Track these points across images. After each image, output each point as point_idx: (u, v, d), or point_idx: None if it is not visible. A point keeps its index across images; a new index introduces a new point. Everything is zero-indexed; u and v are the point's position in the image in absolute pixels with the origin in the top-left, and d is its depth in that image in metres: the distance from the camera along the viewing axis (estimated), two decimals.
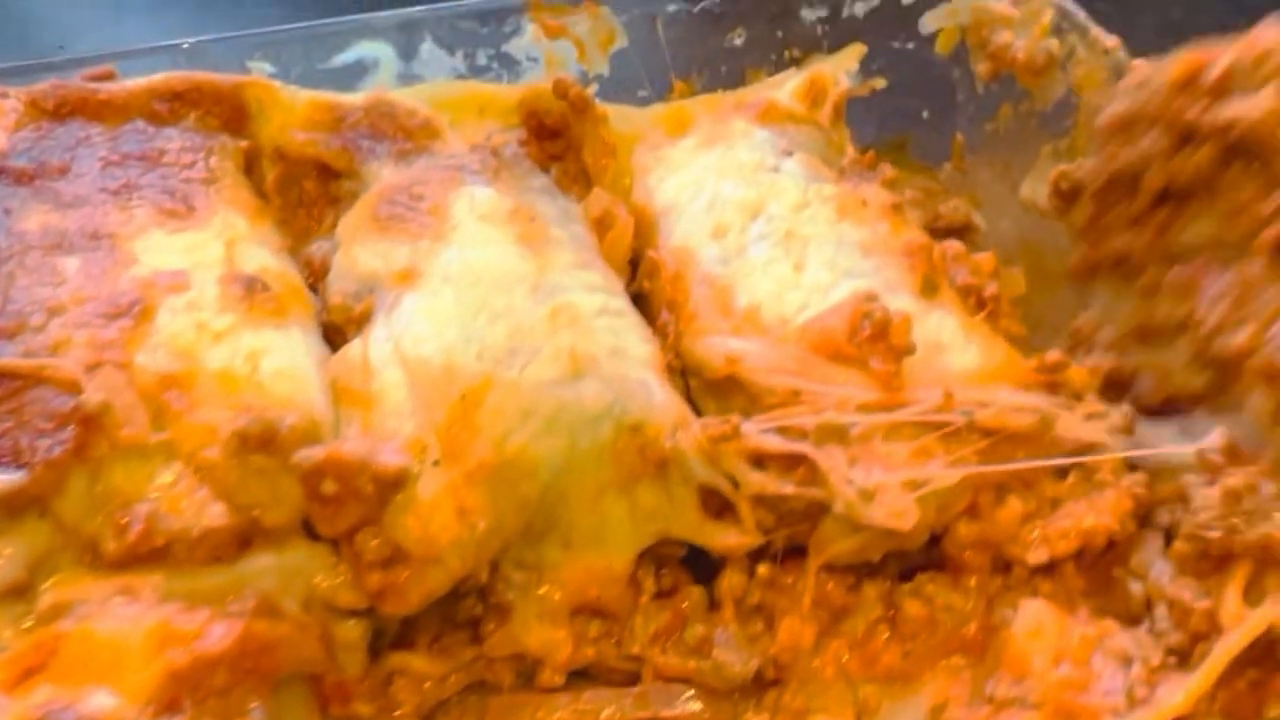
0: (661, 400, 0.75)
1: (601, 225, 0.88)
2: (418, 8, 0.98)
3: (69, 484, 0.67)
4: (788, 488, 0.73)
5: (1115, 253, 0.83)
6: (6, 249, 0.74)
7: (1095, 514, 0.73)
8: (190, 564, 0.68)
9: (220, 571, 0.69)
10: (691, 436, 0.74)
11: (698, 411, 0.79)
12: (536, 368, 0.73)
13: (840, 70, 1.05)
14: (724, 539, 0.75)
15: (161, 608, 0.67)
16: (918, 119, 1.16)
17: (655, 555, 0.77)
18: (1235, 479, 0.70)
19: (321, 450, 0.69)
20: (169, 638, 0.65)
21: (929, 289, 0.82)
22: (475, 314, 0.76)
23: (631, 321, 0.80)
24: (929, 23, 1.11)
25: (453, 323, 0.75)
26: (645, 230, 0.91)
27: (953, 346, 0.80)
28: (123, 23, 1.45)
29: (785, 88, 1.03)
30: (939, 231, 1.11)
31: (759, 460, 0.74)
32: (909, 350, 0.76)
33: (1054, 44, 1.01)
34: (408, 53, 0.97)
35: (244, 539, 0.70)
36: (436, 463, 0.71)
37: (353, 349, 0.76)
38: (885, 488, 0.73)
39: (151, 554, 0.67)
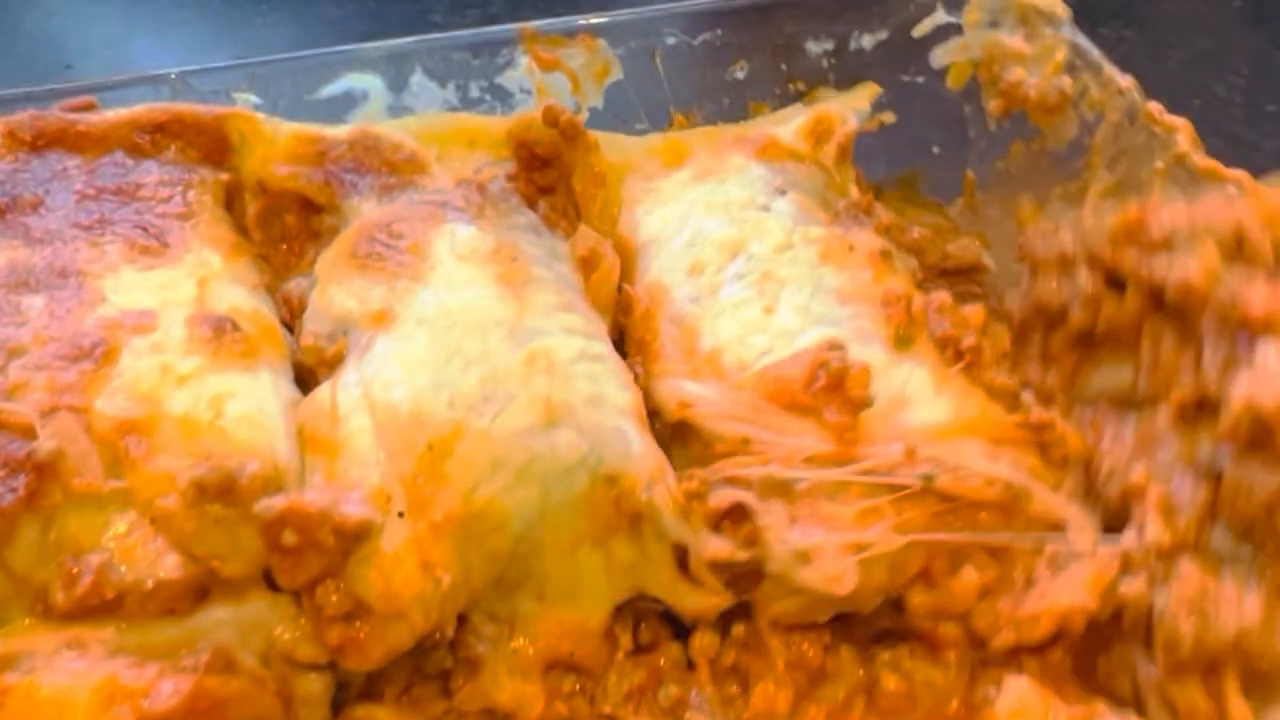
0: (639, 451, 0.73)
1: (587, 265, 0.86)
2: (408, 38, 0.96)
3: (20, 532, 0.65)
4: (729, 549, 0.71)
5: (1027, 381, 0.82)
6: None
7: (1071, 593, 0.69)
8: (143, 616, 0.66)
9: (175, 624, 0.67)
10: (665, 492, 0.71)
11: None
12: (509, 416, 0.71)
13: (849, 110, 1.02)
14: (693, 600, 0.73)
15: (110, 662, 0.65)
16: (928, 154, 1.13)
17: (635, 609, 0.75)
18: (1189, 583, 0.67)
19: (282, 500, 0.66)
20: (115, 694, 0.63)
21: (902, 341, 0.80)
22: (448, 359, 0.73)
23: (611, 367, 0.78)
24: (940, 57, 1.08)
25: (424, 368, 0.73)
26: (626, 263, 0.89)
27: (919, 400, 0.76)
28: (132, 43, 1.45)
29: (789, 125, 1.00)
30: (948, 271, 1.08)
31: (716, 516, 0.72)
32: (866, 403, 0.74)
33: (1067, 82, 0.98)
34: (397, 84, 0.95)
35: (200, 591, 0.68)
36: (401, 514, 0.69)
37: (321, 393, 0.74)
38: (822, 550, 0.70)
39: (102, 606, 0.65)
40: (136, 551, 0.66)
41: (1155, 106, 0.90)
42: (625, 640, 0.75)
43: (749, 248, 0.86)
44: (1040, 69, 1.00)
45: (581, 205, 0.93)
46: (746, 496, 0.71)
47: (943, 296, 0.82)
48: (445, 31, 1.43)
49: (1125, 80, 0.94)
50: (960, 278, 1.08)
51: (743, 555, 0.70)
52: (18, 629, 0.66)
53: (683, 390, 0.77)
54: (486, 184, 0.86)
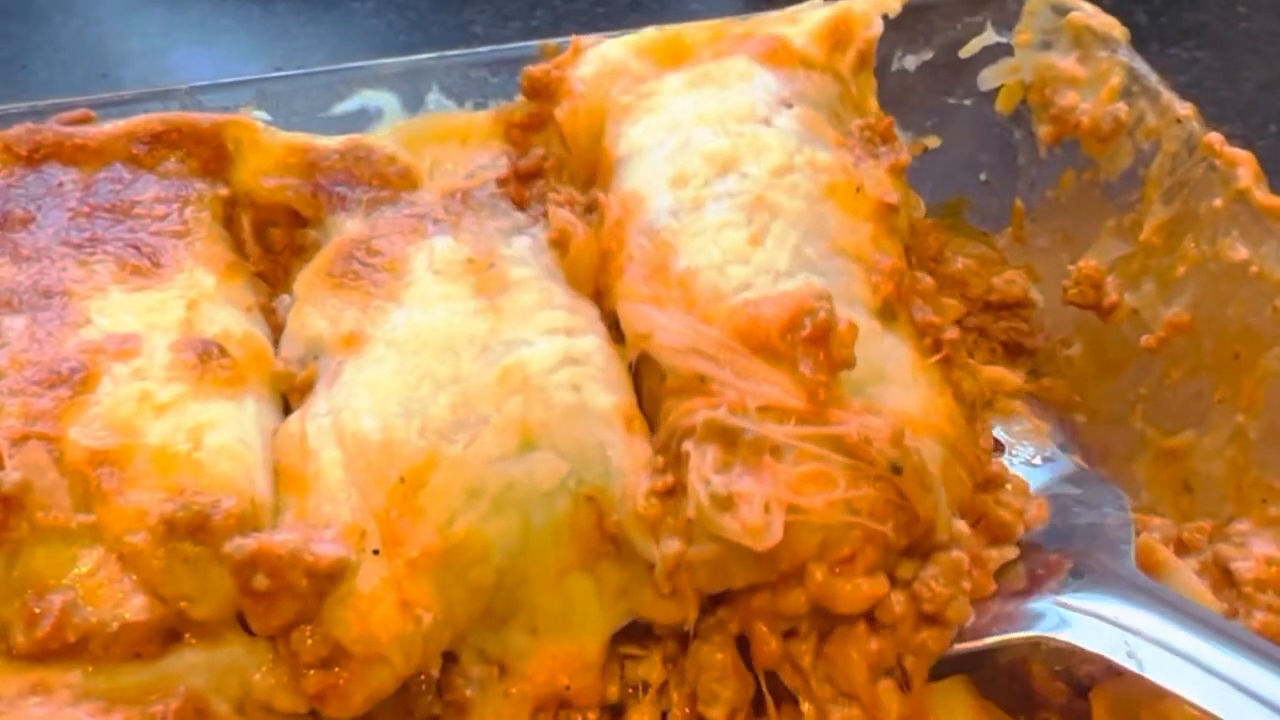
0: (619, 465, 0.69)
1: (560, 247, 0.80)
2: (426, 55, 0.92)
3: None
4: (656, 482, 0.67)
5: None
6: None
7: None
8: (109, 660, 0.63)
9: (144, 668, 0.64)
10: (630, 509, 0.68)
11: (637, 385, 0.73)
12: (483, 442, 0.67)
13: (875, 10, 0.92)
14: (675, 614, 0.70)
15: (75, 709, 0.62)
16: (975, 181, 1.07)
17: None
18: None
19: (253, 541, 0.63)
20: None
21: (887, 314, 0.74)
22: (418, 383, 0.70)
23: (596, 365, 0.72)
24: (989, 79, 1.03)
25: (394, 394, 0.70)
26: (605, 180, 0.82)
27: (895, 381, 0.72)
28: (171, 53, 1.44)
29: (803, 25, 0.91)
30: (993, 305, 1.03)
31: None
32: (848, 364, 0.68)
33: (1122, 109, 0.92)
34: (413, 102, 0.92)
35: (170, 633, 0.65)
36: (376, 551, 0.65)
37: (292, 423, 0.71)
38: (747, 498, 0.65)
39: (65, 649, 0.62)
40: (102, 591, 0.63)
41: (1216, 137, 0.84)
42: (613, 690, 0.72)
43: (742, 165, 0.78)
44: (1094, 94, 0.94)
45: (568, 141, 0.86)
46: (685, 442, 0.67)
47: (927, 280, 0.78)
48: (487, 44, 1.42)
49: (1184, 108, 0.87)
50: (1005, 313, 1.03)
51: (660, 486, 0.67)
52: None
53: (642, 317, 0.72)
54: (471, 191, 0.82)
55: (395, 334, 0.73)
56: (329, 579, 0.64)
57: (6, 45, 1.44)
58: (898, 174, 0.84)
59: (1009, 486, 0.77)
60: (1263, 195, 0.81)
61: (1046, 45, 0.98)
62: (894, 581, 0.68)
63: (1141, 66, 0.91)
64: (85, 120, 0.82)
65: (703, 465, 0.66)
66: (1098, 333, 0.95)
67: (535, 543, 0.67)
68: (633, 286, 0.74)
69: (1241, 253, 0.82)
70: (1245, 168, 0.82)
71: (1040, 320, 1.01)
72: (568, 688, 0.69)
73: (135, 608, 0.63)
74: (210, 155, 0.82)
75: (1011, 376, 0.92)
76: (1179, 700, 0.62)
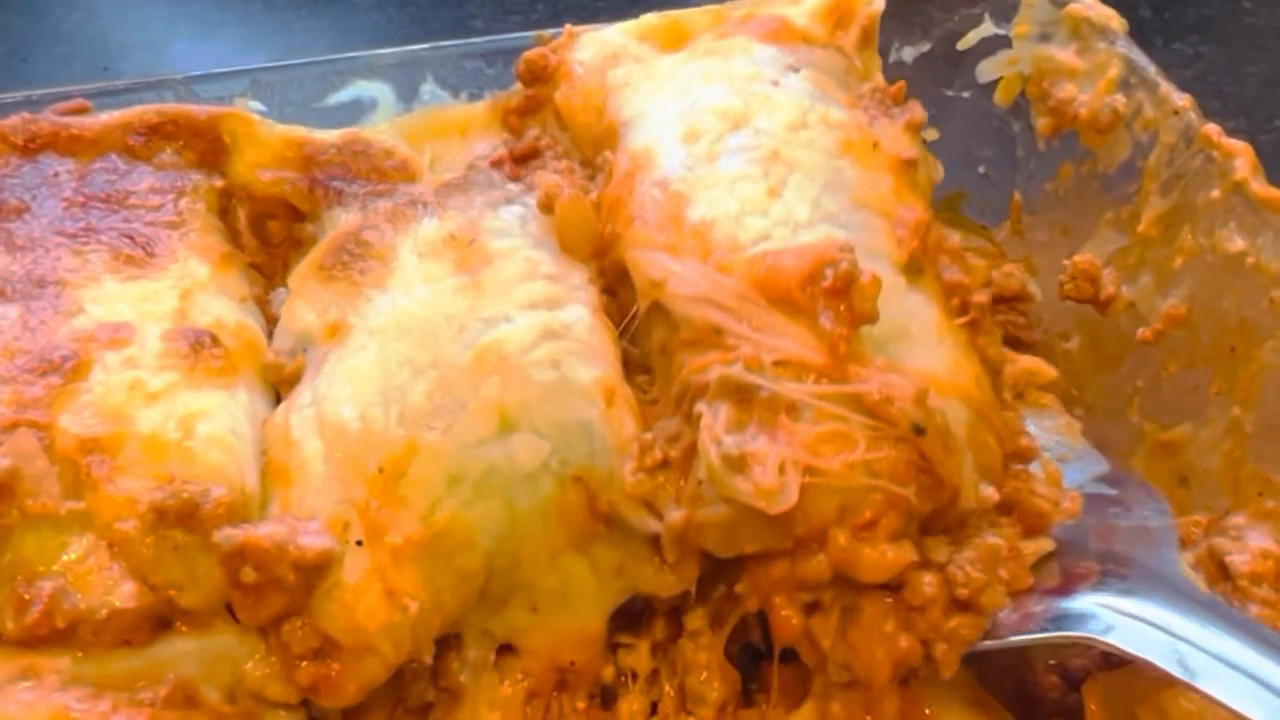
0: (603, 444, 0.68)
1: (547, 210, 0.78)
2: (420, 45, 0.92)
3: None
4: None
5: None
6: None
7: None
8: (98, 647, 0.63)
9: (134, 655, 0.64)
10: (620, 488, 0.67)
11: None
12: (461, 427, 0.67)
13: None
14: (675, 585, 0.69)
15: (63, 694, 0.63)
16: (974, 174, 1.07)
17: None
18: None
19: (240, 534, 0.63)
20: None
21: (913, 270, 0.71)
22: (397, 370, 0.69)
23: (577, 338, 0.71)
24: (987, 71, 1.02)
25: (373, 383, 0.69)
26: (610, 143, 0.80)
27: (920, 340, 0.68)
28: (172, 47, 1.44)
29: (804, 4, 0.89)
30: (991, 299, 1.02)
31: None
32: (870, 318, 0.65)
33: (1120, 100, 0.91)
34: (407, 93, 0.92)
35: (161, 621, 0.65)
36: (360, 542, 0.65)
37: (278, 415, 0.71)
38: (758, 458, 0.62)
39: (54, 635, 0.62)
40: (92, 578, 0.63)
41: (1213, 129, 0.83)
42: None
43: (754, 121, 0.76)
44: (1093, 86, 0.94)
45: (566, 120, 0.85)
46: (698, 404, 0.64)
47: (954, 238, 0.76)
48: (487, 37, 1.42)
49: (1182, 99, 0.87)
50: (1004, 306, 1.02)
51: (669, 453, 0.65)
52: None
53: (656, 265, 0.69)
54: (466, 177, 0.81)
55: (377, 321, 0.72)
56: (316, 571, 0.64)
57: (7, 38, 1.44)
58: (914, 131, 0.81)
59: (1042, 476, 0.73)
60: (1260, 186, 0.80)
61: (1045, 37, 0.98)
62: (927, 564, 0.65)
63: (1140, 58, 0.91)
64: (82, 110, 0.82)
65: (715, 424, 0.63)
66: (1096, 326, 0.94)
67: (522, 526, 0.67)
68: (645, 233, 0.71)
69: (1239, 244, 0.81)
70: (1243, 159, 0.81)
71: (1038, 314, 1.01)
72: (572, 663, 0.69)
73: (124, 595, 0.63)
74: (206, 147, 0.82)
75: (1046, 368, 0.88)
76: (1215, 703, 0.59)
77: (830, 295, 0.65)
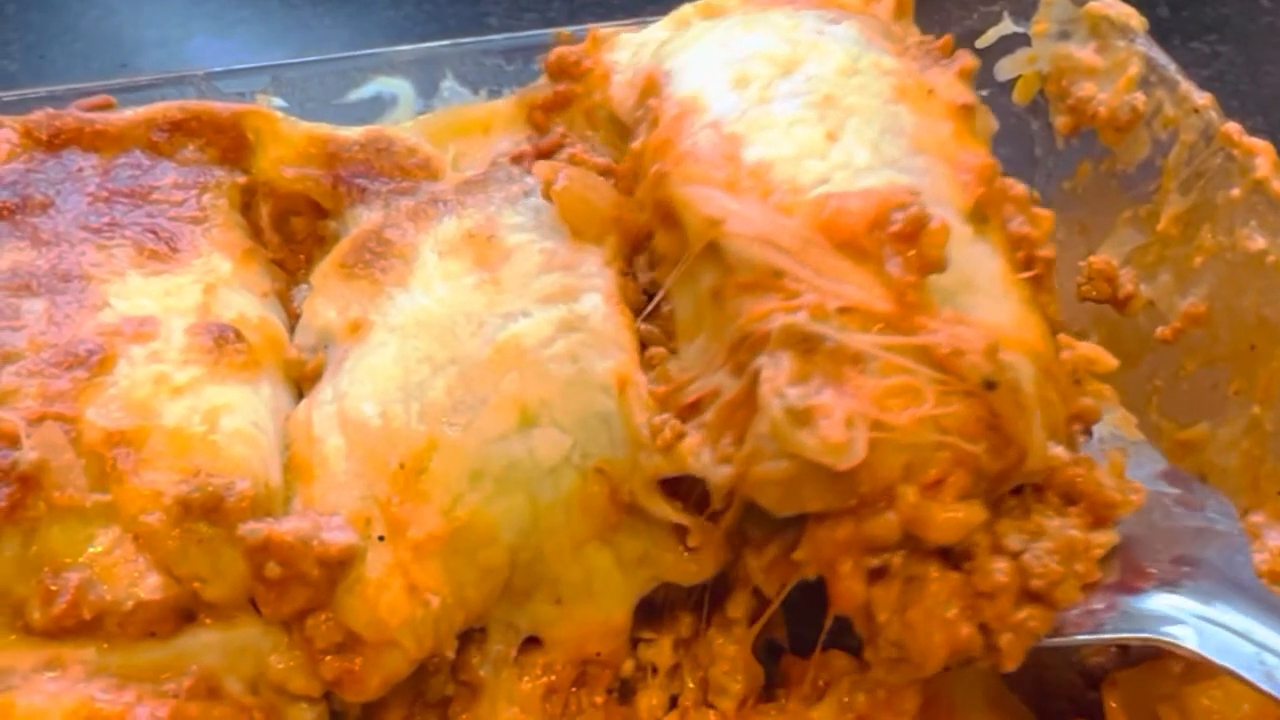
0: (621, 434, 0.68)
1: (545, 195, 0.76)
2: (441, 42, 0.93)
3: (1, 545, 0.63)
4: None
5: None
6: None
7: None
8: (123, 638, 0.64)
9: (158, 646, 0.65)
10: (641, 473, 0.67)
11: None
12: (481, 423, 0.67)
13: None
14: (700, 572, 0.69)
15: (88, 684, 0.63)
16: None
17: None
18: None
19: (265, 528, 0.64)
20: (90, 718, 0.61)
21: (978, 217, 0.68)
22: (417, 367, 0.70)
23: (594, 329, 0.70)
24: (1006, 69, 1.02)
25: (394, 379, 0.70)
26: (651, 92, 0.77)
27: (986, 292, 0.65)
28: (189, 43, 1.45)
29: None
30: None
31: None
32: (939, 265, 0.62)
33: (1139, 99, 0.91)
34: (427, 89, 0.92)
35: (185, 612, 0.65)
36: (381, 538, 0.66)
37: (300, 411, 0.71)
38: (824, 411, 0.59)
39: (80, 626, 0.63)
40: (118, 569, 0.64)
41: (1234, 127, 0.83)
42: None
43: (804, 67, 0.73)
44: (1112, 84, 0.94)
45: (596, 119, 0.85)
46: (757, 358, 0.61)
47: (1018, 186, 0.72)
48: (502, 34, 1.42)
49: (1202, 98, 0.87)
50: None
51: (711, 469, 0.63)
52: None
53: (714, 203, 0.66)
54: (487, 173, 0.81)
55: (398, 319, 0.72)
56: (339, 566, 0.64)
57: (26, 34, 1.45)
58: (967, 78, 0.79)
59: (1105, 465, 0.70)
60: None
61: (1064, 35, 0.98)
62: (999, 549, 0.63)
63: (1159, 56, 0.91)
64: (106, 106, 0.82)
65: (777, 376, 0.60)
66: (1115, 324, 0.94)
67: (545, 520, 0.67)
68: (699, 170, 0.68)
69: (1259, 243, 0.81)
70: (1264, 157, 0.81)
71: (1056, 313, 1.01)
72: (598, 654, 0.69)
73: (150, 587, 0.64)
74: (229, 144, 0.82)
75: (1107, 356, 0.83)
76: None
77: (899, 240, 0.62)
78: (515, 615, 0.69)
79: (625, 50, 0.86)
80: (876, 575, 0.63)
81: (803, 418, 0.60)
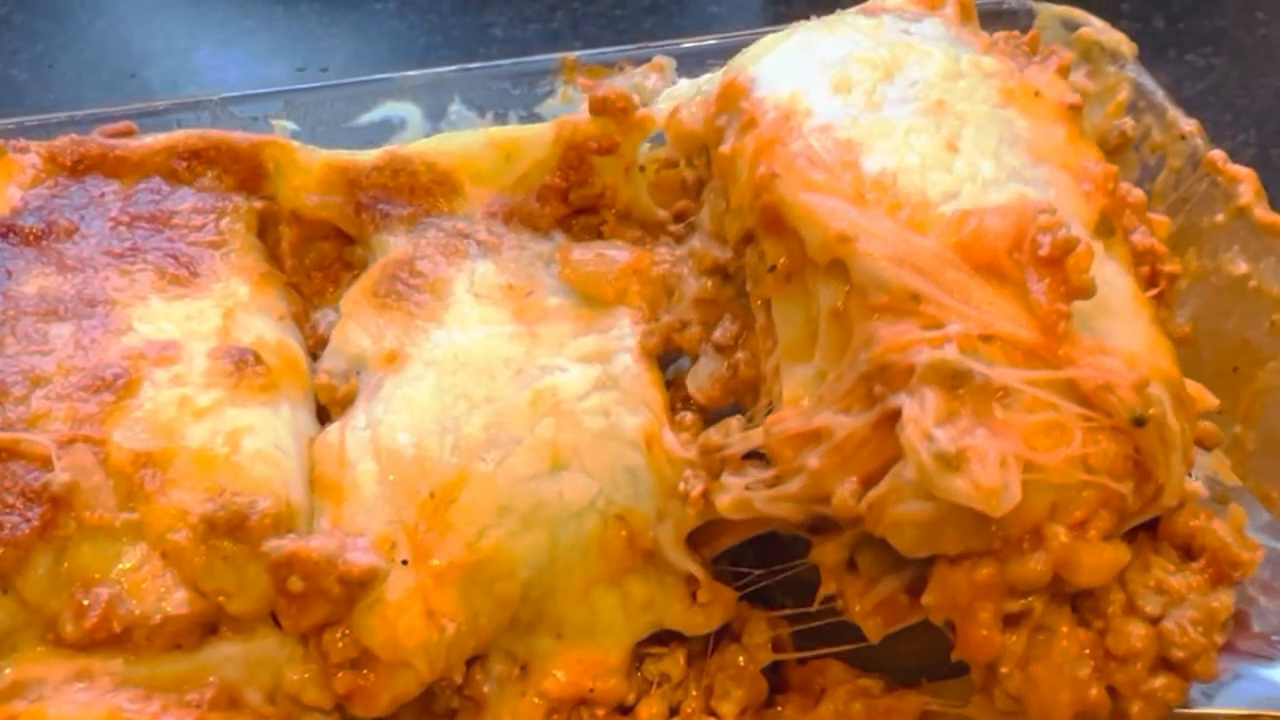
0: (648, 486, 0.71)
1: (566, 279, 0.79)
2: (448, 67, 0.95)
3: (33, 562, 0.66)
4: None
5: None
6: (0, 313, 0.73)
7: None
8: (150, 650, 0.67)
9: (182, 658, 0.68)
10: (669, 530, 0.70)
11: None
12: (514, 461, 0.70)
13: None
14: (704, 624, 0.72)
15: (116, 695, 0.66)
16: None
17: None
18: None
19: (289, 544, 0.66)
20: None
21: (1105, 230, 0.64)
22: (454, 402, 0.73)
23: (625, 389, 0.73)
24: None
25: (429, 412, 0.72)
26: (730, 103, 0.72)
27: (1119, 315, 0.61)
28: (195, 53, 1.46)
29: None
30: None
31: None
32: (1087, 291, 0.58)
33: (1129, 123, 0.93)
34: (435, 113, 0.95)
35: (209, 626, 0.68)
36: (405, 562, 0.68)
37: (331, 434, 0.74)
38: (978, 454, 0.55)
39: (110, 639, 0.66)
40: (146, 585, 0.66)
41: (1219, 155, 0.86)
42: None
43: (906, 70, 0.68)
44: (1102, 108, 0.96)
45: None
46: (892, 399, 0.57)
47: (1137, 192, 0.68)
48: (506, 45, 1.44)
49: (1189, 124, 0.89)
50: None
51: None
52: (29, 656, 0.67)
53: (843, 217, 0.61)
54: (514, 206, 0.84)
55: (435, 354, 0.75)
56: (360, 586, 0.67)
57: (35, 43, 1.46)
58: (1066, 75, 0.75)
59: (1227, 519, 0.65)
60: (1262, 212, 0.83)
61: None
62: (1134, 610, 0.60)
63: (1148, 82, 0.93)
64: (128, 133, 0.85)
65: (923, 417, 0.56)
66: None
67: (563, 559, 0.70)
68: (819, 177, 0.63)
69: (1242, 267, 0.84)
70: (1246, 184, 0.84)
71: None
72: (591, 690, 0.71)
73: (177, 601, 0.66)
74: (247, 174, 0.85)
75: (1207, 394, 0.71)
76: None
77: (1045, 265, 0.58)
78: (516, 645, 0.72)
79: (666, 101, 0.86)
80: (1007, 624, 0.60)
81: (954, 462, 0.56)
